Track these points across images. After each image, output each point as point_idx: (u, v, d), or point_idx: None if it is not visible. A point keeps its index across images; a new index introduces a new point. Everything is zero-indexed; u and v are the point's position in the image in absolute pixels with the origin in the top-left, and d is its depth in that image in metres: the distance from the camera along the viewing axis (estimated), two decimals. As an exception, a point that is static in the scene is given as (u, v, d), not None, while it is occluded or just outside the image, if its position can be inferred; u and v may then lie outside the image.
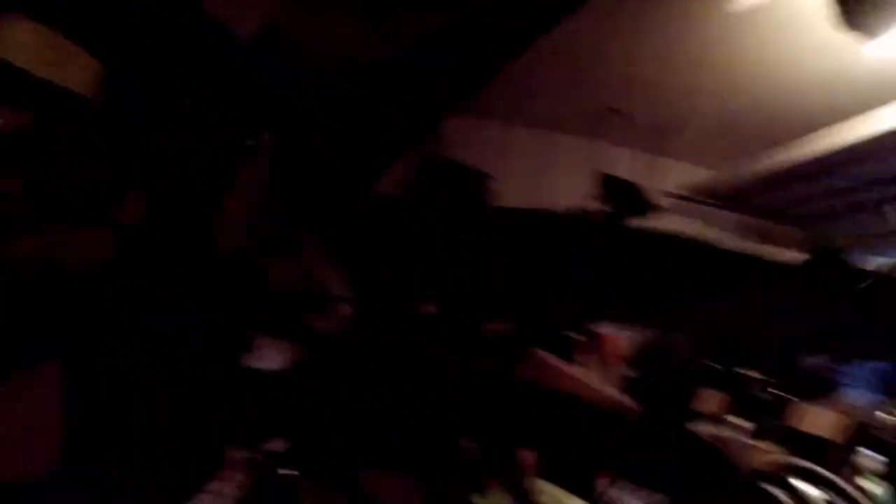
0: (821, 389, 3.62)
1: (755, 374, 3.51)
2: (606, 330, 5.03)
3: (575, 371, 4.22)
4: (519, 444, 1.83)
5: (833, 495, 1.52)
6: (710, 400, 3.40)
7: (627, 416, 3.14)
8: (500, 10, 3.07)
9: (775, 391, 3.44)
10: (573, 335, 4.63)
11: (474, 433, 3.05)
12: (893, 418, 2.53)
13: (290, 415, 2.48)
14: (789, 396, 3.45)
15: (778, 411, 3.07)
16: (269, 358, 2.37)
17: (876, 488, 1.78)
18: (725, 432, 2.86)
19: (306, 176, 3.20)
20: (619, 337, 5.04)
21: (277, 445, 2.30)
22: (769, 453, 2.49)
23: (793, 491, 1.51)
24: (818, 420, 2.90)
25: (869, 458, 1.91)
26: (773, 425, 2.73)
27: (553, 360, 3.93)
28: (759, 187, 4.37)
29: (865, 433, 2.66)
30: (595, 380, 3.93)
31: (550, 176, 4.88)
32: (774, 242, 5.63)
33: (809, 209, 5.37)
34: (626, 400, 3.34)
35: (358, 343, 2.78)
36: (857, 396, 3.66)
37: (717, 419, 3.12)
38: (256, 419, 2.29)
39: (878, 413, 2.80)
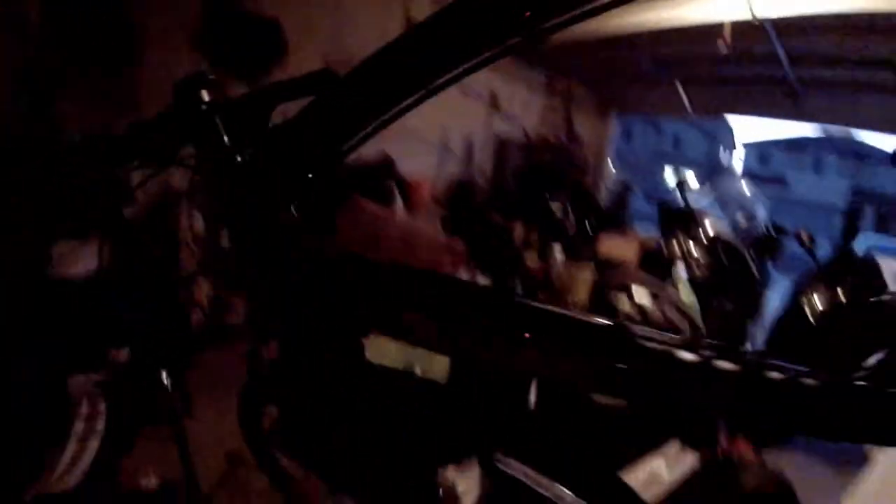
0: (615, 224, 4.29)
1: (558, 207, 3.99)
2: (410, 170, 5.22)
3: (396, 215, 4.41)
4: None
5: (659, 298, 1.92)
6: (520, 231, 3.81)
7: (459, 251, 3.42)
8: None
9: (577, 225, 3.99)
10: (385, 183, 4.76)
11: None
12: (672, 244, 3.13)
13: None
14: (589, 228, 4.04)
15: (580, 241, 3.61)
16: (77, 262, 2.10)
17: (686, 292, 2.29)
18: (553, 259, 3.31)
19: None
20: (422, 178, 5.29)
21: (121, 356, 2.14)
22: (585, 270, 2.96)
23: (630, 298, 1.87)
24: (617, 247, 3.52)
25: (679, 269, 2.40)
26: (579, 248, 3.20)
27: (374, 205, 4.04)
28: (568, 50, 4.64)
29: (650, 254, 3.27)
30: (417, 222, 4.15)
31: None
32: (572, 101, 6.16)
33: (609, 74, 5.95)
34: (453, 240, 3.60)
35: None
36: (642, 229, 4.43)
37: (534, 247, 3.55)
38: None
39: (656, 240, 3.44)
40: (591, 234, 3.93)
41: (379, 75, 1.15)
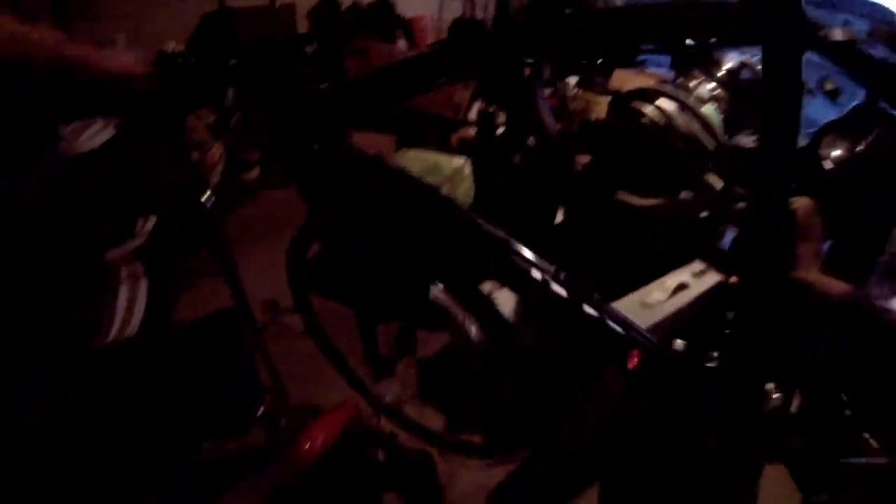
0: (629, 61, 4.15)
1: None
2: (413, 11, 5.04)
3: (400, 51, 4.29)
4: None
5: (682, 109, 1.92)
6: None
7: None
8: None
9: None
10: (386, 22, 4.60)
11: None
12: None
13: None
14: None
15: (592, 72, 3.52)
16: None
17: (711, 109, 2.29)
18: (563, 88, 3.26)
19: None
20: (423, 16, 5.11)
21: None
22: (600, 98, 2.94)
23: (655, 106, 1.87)
24: (633, 82, 3.44)
25: (705, 89, 2.38)
26: (595, 80, 3.14)
27: (377, 43, 3.93)
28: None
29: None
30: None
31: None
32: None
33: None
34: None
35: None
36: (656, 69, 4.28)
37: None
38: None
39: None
40: (604, 69, 3.83)
41: None
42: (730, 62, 3.28)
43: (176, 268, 2.89)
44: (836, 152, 3.14)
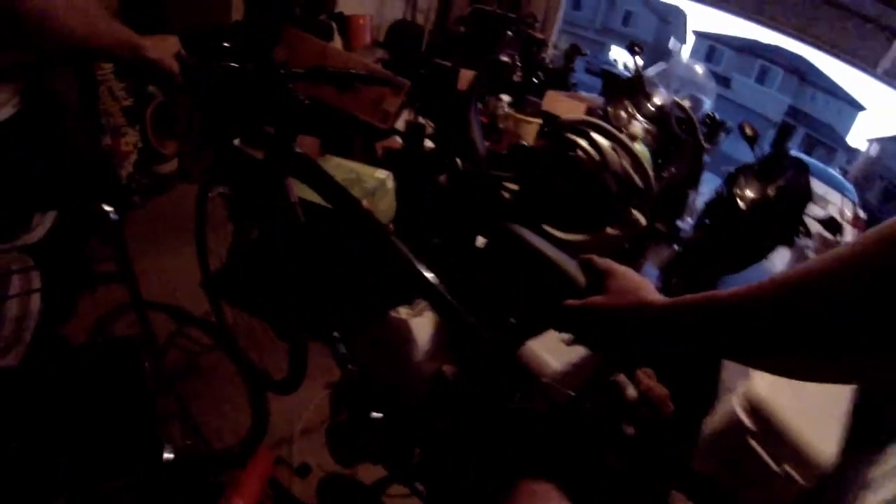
0: (562, 85, 4.16)
1: (506, 59, 3.82)
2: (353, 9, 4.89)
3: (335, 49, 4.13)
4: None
5: (616, 145, 1.86)
6: (466, 78, 3.65)
7: (402, 86, 3.25)
8: None
9: (524, 76, 3.86)
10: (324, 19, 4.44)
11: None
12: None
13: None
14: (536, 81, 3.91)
15: (525, 91, 3.49)
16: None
17: (642, 147, 2.28)
18: (495, 105, 3.18)
19: None
20: (363, 15, 4.97)
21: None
22: (532, 120, 2.88)
23: (590, 140, 1.80)
24: (564, 104, 3.44)
25: (637, 127, 2.37)
26: (527, 100, 3.09)
27: (312, 38, 3.76)
28: None
29: (593, 115, 3.23)
30: (355, 56, 3.90)
31: None
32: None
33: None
34: (390, 73, 3.41)
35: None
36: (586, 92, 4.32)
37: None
38: None
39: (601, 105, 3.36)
40: (538, 88, 3.81)
41: None
42: (660, 97, 3.34)
43: (75, 269, 2.63)
44: (749, 193, 3.27)
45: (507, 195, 1.73)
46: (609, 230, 1.83)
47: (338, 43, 4.52)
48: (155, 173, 3.47)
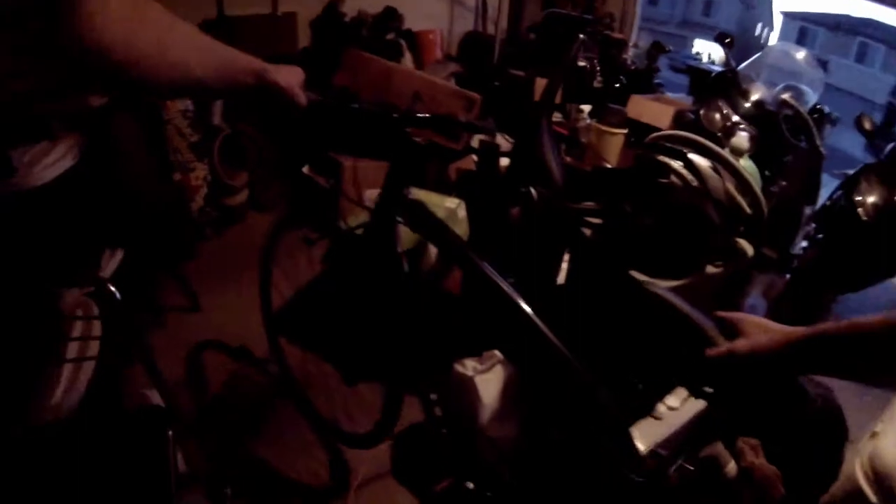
0: (646, 87, 3.86)
1: (585, 64, 3.57)
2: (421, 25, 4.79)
3: (405, 67, 4.02)
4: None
5: (718, 164, 1.60)
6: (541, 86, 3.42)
7: (474, 101, 3.08)
8: None
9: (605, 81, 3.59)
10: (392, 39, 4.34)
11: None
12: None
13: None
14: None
15: (607, 99, 3.22)
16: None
17: (749, 163, 1.98)
18: (576, 117, 2.95)
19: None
20: (432, 30, 4.86)
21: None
22: (616, 131, 2.63)
23: (686, 161, 1.56)
24: (650, 110, 3.15)
25: (742, 138, 2.07)
26: (610, 108, 2.84)
27: (381, 59, 3.66)
28: None
29: (682, 120, 2.92)
30: (423, 75, 3.77)
31: None
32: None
33: None
34: (467, 91, 3.25)
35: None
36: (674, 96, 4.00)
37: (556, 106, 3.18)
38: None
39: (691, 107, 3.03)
40: (620, 94, 3.54)
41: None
42: (759, 93, 2.96)
43: (142, 304, 2.62)
44: (872, 199, 2.82)
45: (588, 231, 1.51)
46: (710, 268, 1.58)
47: (408, 60, 4.41)
48: (225, 205, 3.49)
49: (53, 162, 1.65)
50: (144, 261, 2.53)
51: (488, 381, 1.46)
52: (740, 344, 0.88)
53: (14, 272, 1.55)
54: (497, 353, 1.51)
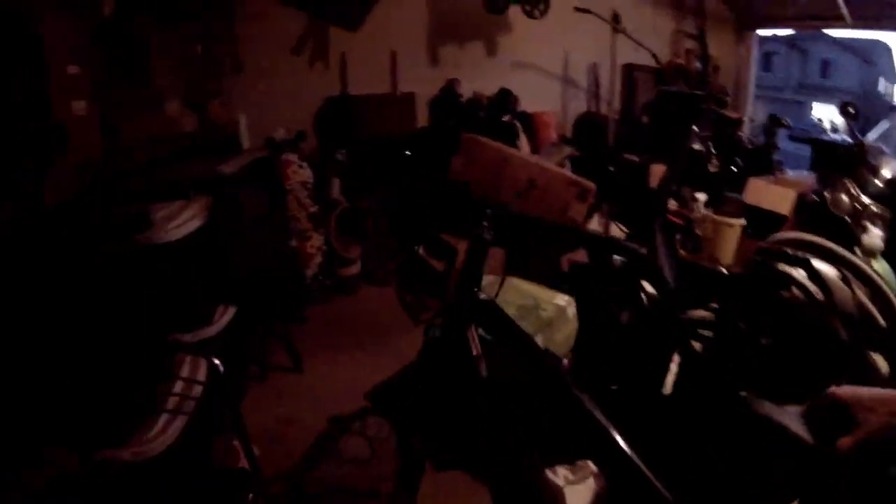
0: (764, 167, 3.69)
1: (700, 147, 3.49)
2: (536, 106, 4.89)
3: (520, 153, 4.11)
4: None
5: (847, 272, 1.50)
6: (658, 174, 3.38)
7: (588, 191, 3.08)
8: None
9: (721, 165, 3.47)
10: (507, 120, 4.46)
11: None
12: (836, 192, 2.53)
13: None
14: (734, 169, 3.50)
15: (723, 184, 3.10)
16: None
17: (883, 265, 1.80)
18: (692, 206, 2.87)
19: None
20: (547, 112, 4.94)
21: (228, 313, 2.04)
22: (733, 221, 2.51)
23: (810, 271, 1.46)
24: (770, 194, 2.97)
25: (875, 237, 1.90)
26: (726, 196, 2.75)
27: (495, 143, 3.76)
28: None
29: (805, 205, 2.72)
30: (545, 161, 3.83)
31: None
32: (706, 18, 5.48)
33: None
34: (581, 179, 3.26)
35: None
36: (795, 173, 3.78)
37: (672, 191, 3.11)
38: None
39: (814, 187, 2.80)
40: (738, 178, 3.39)
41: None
42: (890, 169, 2.67)
43: (249, 358, 2.79)
44: None
45: (699, 345, 1.46)
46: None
47: (524, 142, 4.51)
48: (338, 275, 3.71)
49: (185, 221, 1.85)
50: (255, 319, 2.74)
51: (578, 493, 1.41)
52: (875, 422, 0.78)
53: (138, 317, 1.73)
54: (591, 464, 1.46)
